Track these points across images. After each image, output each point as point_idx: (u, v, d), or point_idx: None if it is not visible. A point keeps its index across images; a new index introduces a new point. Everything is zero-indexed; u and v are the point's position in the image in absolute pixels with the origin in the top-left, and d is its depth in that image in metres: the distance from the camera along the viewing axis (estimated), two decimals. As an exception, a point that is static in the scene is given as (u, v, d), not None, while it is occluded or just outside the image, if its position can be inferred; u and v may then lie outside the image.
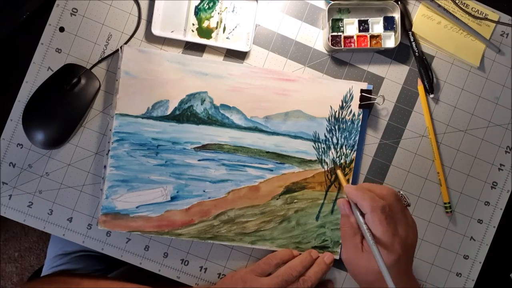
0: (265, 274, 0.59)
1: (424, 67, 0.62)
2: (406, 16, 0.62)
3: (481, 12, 0.63)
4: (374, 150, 0.63)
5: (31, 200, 0.60)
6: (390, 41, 0.62)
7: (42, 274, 0.77)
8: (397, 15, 0.61)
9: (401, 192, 0.56)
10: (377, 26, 0.62)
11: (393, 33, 0.61)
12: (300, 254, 0.60)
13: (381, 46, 0.61)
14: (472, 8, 0.63)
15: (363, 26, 0.61)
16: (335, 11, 0.62)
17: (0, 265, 1.26)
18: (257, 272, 0.59)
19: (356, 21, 0.61)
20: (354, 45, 0.61)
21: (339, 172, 0.60)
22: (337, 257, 0.61)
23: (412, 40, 0.62)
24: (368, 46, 0.61)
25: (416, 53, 0.62)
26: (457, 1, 0.63)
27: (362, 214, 0.54)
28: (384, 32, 0.61)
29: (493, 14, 0.63)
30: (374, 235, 0.52)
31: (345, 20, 0.61)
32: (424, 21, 0.63)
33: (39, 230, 0.60)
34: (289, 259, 0.60)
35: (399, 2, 0.61)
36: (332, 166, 0.61)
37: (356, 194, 0.54)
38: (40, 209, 0.60)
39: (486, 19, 0.63)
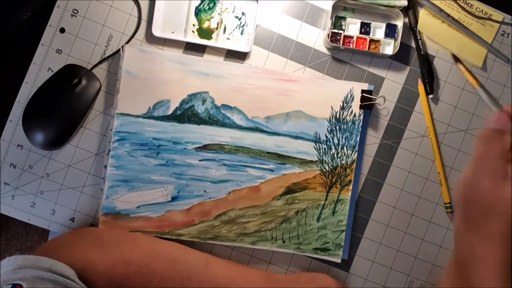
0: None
1: (426, 66, 0.62)
2: (412, 13, 0.62)
3: (485, 12, 0.63)
4: (374, 150, 0.63)
5: (34, 200, 0.60)
6: (389, 48, 0.62)
7: None
8: (400, 24, 0.61)
9: None
10: (378, 31, 0.61)
11: (393, 41, 0.61)
12: None
13: (379, 52, 0.61)
14: (476, 8, 0.63)
15: (365, 28, 0.61)
16: (340, 9, 0.62)
17: (2, 263, 1.26)
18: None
19: (359, 22, 0.61)
20: (353, 46, 0.61)
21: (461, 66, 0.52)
22: (338, 260, 0.61)
23: (418, 38, 0.62)
24: (366, 49, 0.61)
25: (422, 51, 0.62)
26: (461, 2, 0.62)
27: None
28: (384, 38, 0.61)
29: (497, 15, 0.63)
30: None
31: (348, 19, 0.61)
32: (429, 20, 0.63)
33: (40, 229, 0.61)
34: None
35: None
36: (333, 166, 0.61)
37: None
38: (43, 210, 0.60)
39: (490, 19, 0.63)
